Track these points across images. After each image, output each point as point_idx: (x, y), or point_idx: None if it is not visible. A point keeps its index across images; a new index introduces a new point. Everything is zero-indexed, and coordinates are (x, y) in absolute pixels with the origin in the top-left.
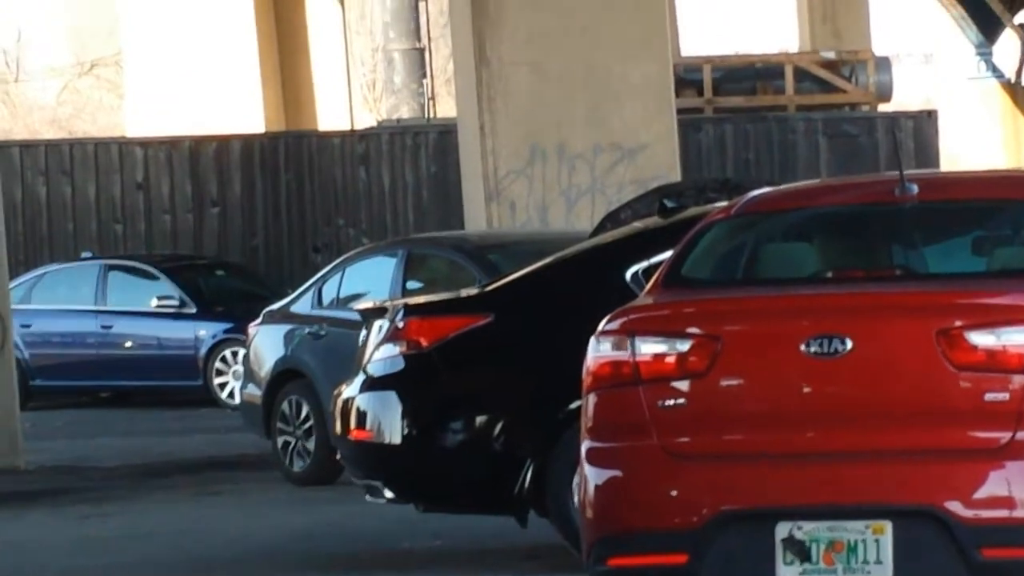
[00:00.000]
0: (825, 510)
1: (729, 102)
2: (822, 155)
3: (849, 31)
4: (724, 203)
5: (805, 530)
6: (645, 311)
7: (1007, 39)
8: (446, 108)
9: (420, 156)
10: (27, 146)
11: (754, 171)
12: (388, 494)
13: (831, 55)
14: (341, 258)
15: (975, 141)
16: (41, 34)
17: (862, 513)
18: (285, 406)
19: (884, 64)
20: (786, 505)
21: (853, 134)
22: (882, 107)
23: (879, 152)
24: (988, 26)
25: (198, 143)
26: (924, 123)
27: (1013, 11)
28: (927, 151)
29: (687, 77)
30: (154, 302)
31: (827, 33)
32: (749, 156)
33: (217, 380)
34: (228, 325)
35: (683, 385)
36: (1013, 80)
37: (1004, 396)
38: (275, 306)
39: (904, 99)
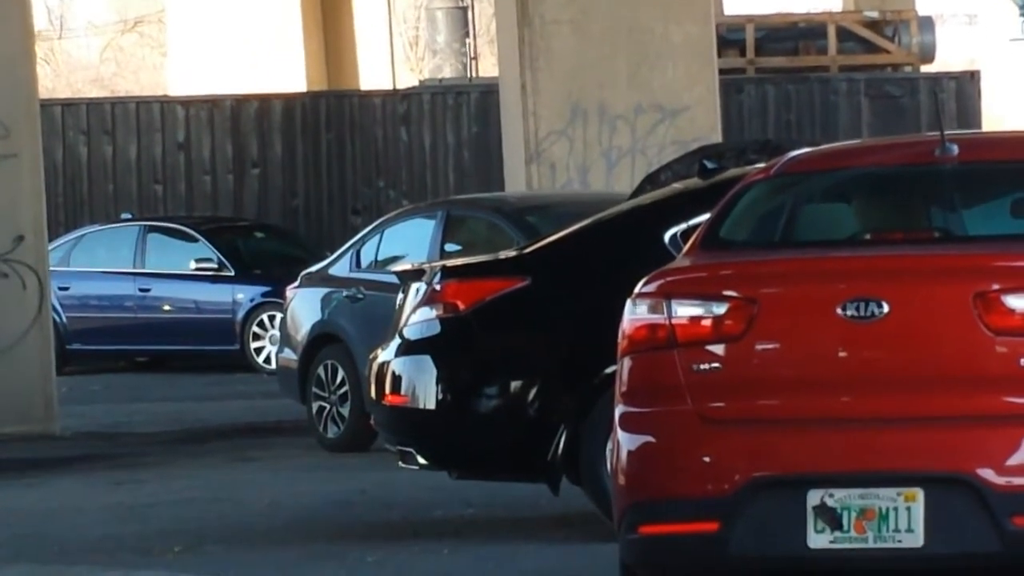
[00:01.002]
0: (857, 477)
1: (771, 62)
2: (864, 116)
3: None
4: (764, 164)
5: (837, 497)
6: (681, 273)
7: None
8: (489, 68)
9: (461, 116)
10: (69, 105)
11: (795, 132)
12: (421, 460)
13: (874, 15)
14: (379, 220)
15: (1018, 102)
16: None
17: (894, 480)
18: (321, 371)
19: (927, 24)
20: (818, 472)
21: (896, 95)
22: (925, 68)
23: (921, 113)
24: None
25: (240, 102)
26: (967, 84)
27: None
28: (969, 112)
29: (730, 37)
30: (192, 265)
31: None
32: (791, 117)
33: (254, 344)
34: (266, 288)
35: (719, 349)
36: None
37: None
38: (313, 269)
39: (947, 60)
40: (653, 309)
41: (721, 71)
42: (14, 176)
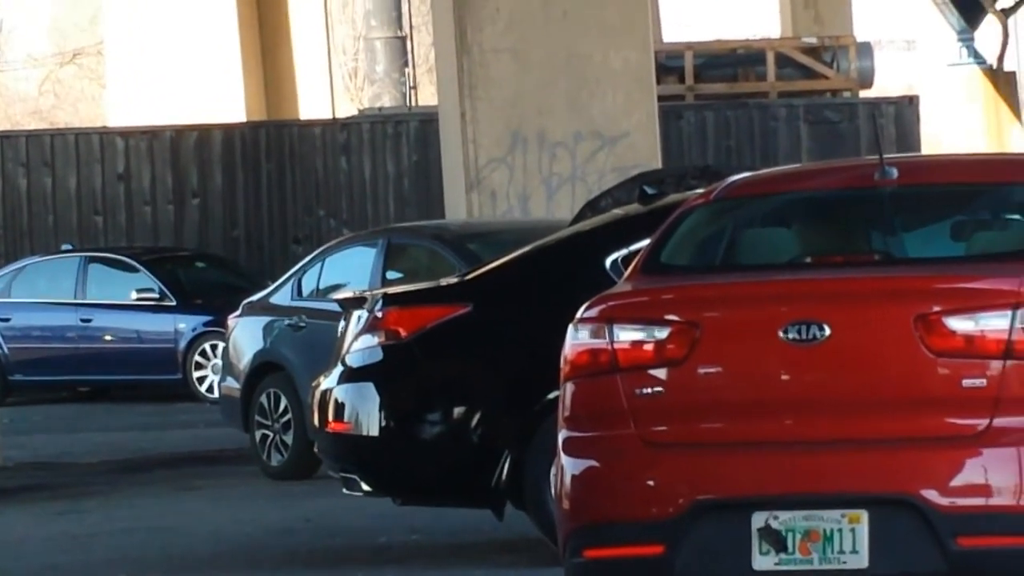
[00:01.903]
0: (801, 499)
1: (711, 89)
2: (803, 142)
3: (831, 17)
4: (703, 189)
5: (781, 519)
6: (623, 298)
7: (989, 25)
8: (428, 97)
9: (401, 145)
10: (7, 137)
11: (735, 158)
12: (365, 487)
13: (812, 41)
14: (321, 248)
15: (957, 127)
16: (23, 24)
17: (838, 502)
18: (264, 399)
19: (866, 50)
20: (762, 494)
21: (834, 120)
22: (864, 93)
23: (860, 138)
24: (970, 12)
25: (179, 133)
26: (905, 109)
27: None
28: (908, 137)
29: (669, 64)
30: (134, 295)
31: (809, 19)
32: (730, 143)
33: (196, 374)
34: (208, 318)
35: (661, 373)
36: (995, 66)
37: (981, 382)
38: (255, 298)
39: (886, 85)
40: (595, 334)
41: (660, 98)
42: None
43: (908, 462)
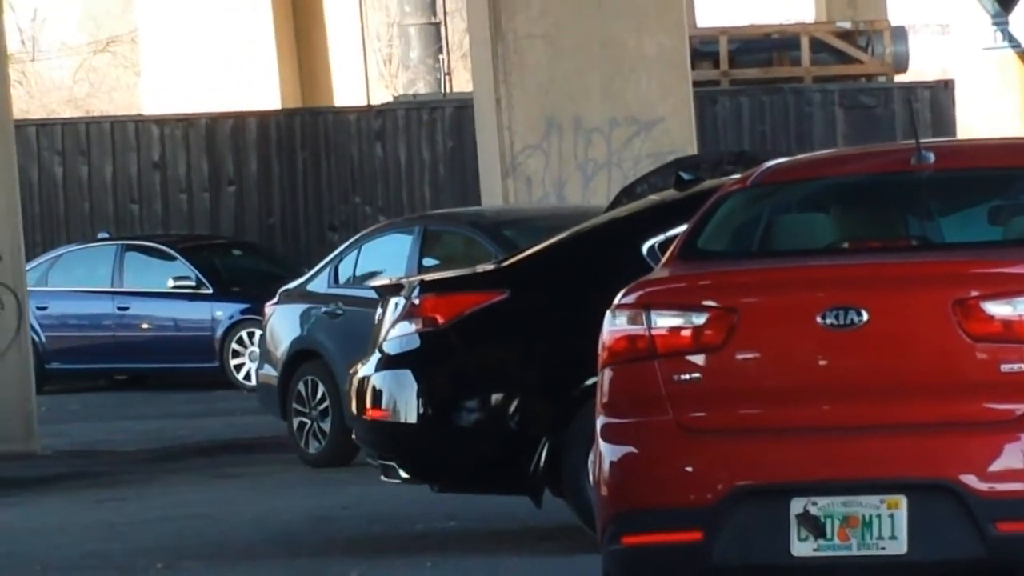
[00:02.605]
0: (840, 485)
1: (745, 74)
2: (838, 127)
3: (865, 1)
4: (740, 175)
5: (820, 505)
6: (660, 284)
7: (1023, 8)
8: (462, 83)
9: (436, 132)
10: (43, 125)
11: (770, 143)
12: (403, 474)
13: (847, 25)
14: (357, 236)
15: (992, 111)
16: (56, 12)
17: (877, 488)
18: (301, 387)
19: (900, 34)
20: (801, 480)
21: (869, 105)
22: (899, 78)
23: (896, 123)
24: None
25: (214, 120)
26: (941, 93)
27: None
28: (944, 121)
29: (703, 49)
30: (170, 283)
31: (843, 3)
32: (765, 128)
33: (234, 361)
34: (245, 306)
35: (699, 359)
36: None
37: (1020, 367)
38: (291, 285)
39: (921, 70)
40: (633, 320)
41: (695, 83)
42: None
43: (946, 447)
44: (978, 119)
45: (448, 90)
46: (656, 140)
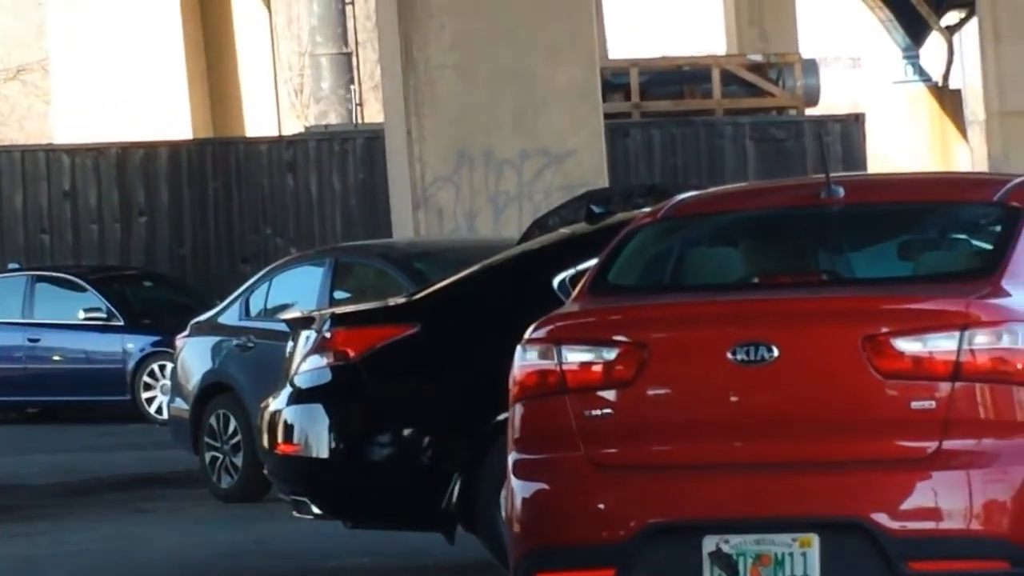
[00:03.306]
0: (752, 523)
1: (657, 106)
2: (750, 159)
3: (776, 34)
4: (650, 208)
5: (732, 543)
6: (571, 318)
7: (934, 42)
8: (374, 114)
9: (348, 163)
10: None
11: (682, 176)
12: (316, 510)
13: (758, 58)
14: (268, 268)
15: (902, 145)
16: None
17: (789, 526)
18: (213, 420)
19: (811, 67)
20: (713, 517)
21: (780, 138)
22: (810, 111)
23: (807, 156)
24: (915, 29)
25: (125, 150)
26: (851, 127)
27: (940, 14)
28: (855, 155)
29: (614, 81)
30: (81, 314)
31: (754, 36)
32: (677, 161)
33: (145, 394)
34: (156, 338)
35: (610, 394)
36: (940, 83)
37: (930, 404)
38: (202, 318)
39: (832, 103)
40: (543, 355)
41: (606, 115)
42: None
43: (858, 485)
44: (890, 152)
45: (360, 121)
46: (567, 172)
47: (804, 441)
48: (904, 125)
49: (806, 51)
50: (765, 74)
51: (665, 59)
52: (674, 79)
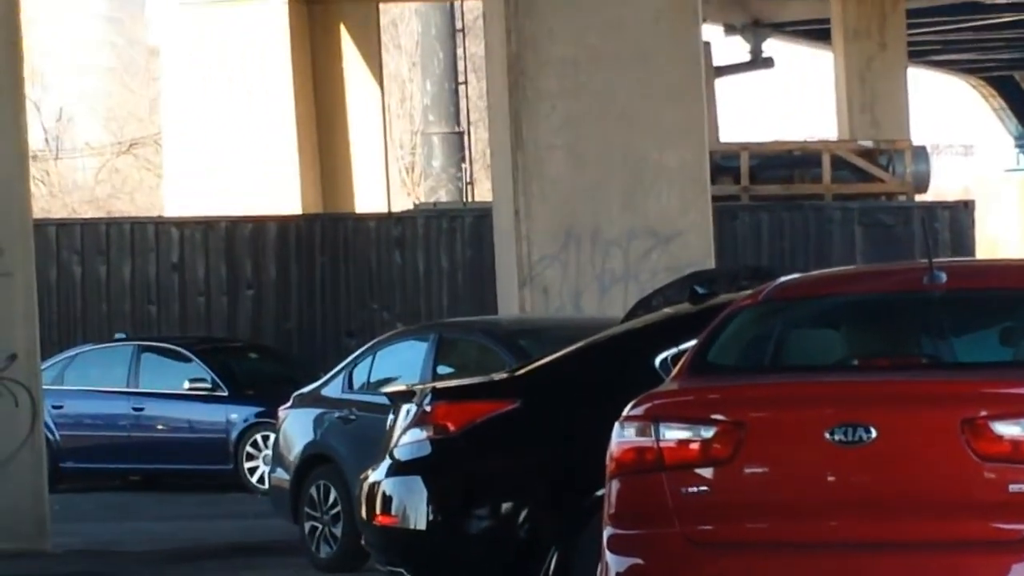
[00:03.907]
0: None
1: (766, 190)
2: (858, 244)
3: (887, 121)
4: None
5: None
6: (669, 396)
7: None
8: (484, 192)
9: (456, 240)
10: (63, 225)
11: (789, 260)
12: None
13: (869, 144)
14: (372, 342)
15: (1013, 232)
16: (81, 113)
17: None
18: (313, 491)
19: (921, 154)
20: None
21: (889, 224)
22: (919, 197)
23: (915, 242)
24: None
25: (234, 224)
26: (961, 213)
27: None
28: (963, 241)
29: (724, 164)
30: (186, 384)
31: (866, 122)
32: (784, 245)
33: (248, 464)
34: (259, 409)
35: (706, 472)
36: None
37: None
38: (306, 389)
39: (943, 190)
40: (641, 432)
41: (715, 198)
42: (7, 295)
43: (953, 566)
44: (1000, 239)
45: (471, 199)
46: (674, 253)
47: (900, 522)
48: (1014, 212)
49: (917, 138)
50: (875, 160)
51: (776, 143)
52: (784, 163)
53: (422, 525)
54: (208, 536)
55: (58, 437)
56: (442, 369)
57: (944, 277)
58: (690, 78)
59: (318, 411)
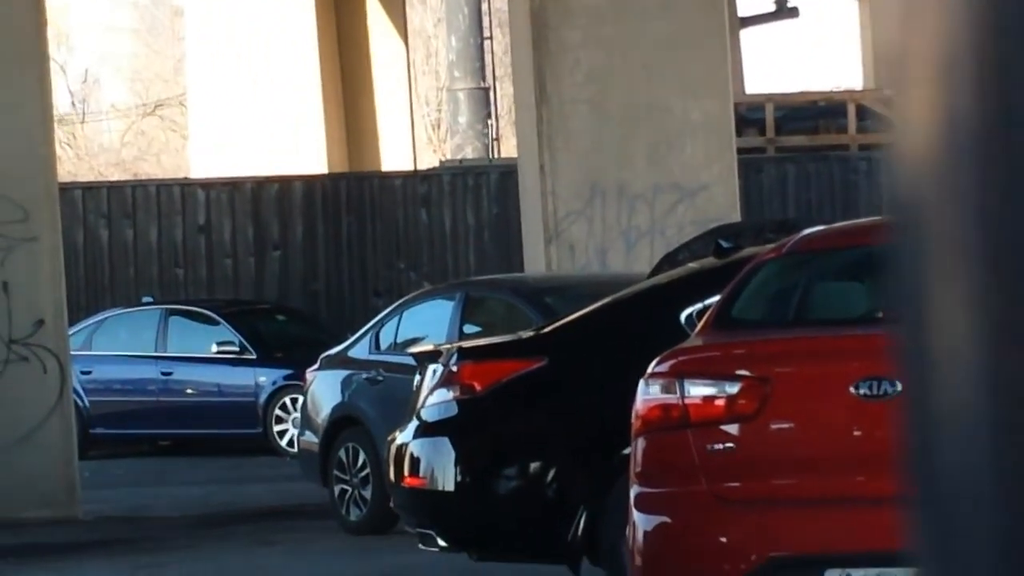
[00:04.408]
0: (873, 556)
1: (791, 141)
2: (884, 195)
3: None
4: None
5: None
6: (694, 353)
7: None
8: (511, 149)
9: (481, 197)
10: (89, 188)
11: (815, 212)
12: (441, 543)
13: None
14: (399, 302)
15: None
16: (106, 75)
17: (910, 559)
18: (342, 454)
19: None
20: (834, 551)
21: None
22: None
23: None
24: None
25: (260, 184)
26: None
27: None
28: None
29: (749, 116)
30: (214, 348)
31: None
32: (811, 196)
33: (277, 428)
34: (288, 372)
35: (732, 428)
36: None
37: None
38: (332, 351)
39: None
40: (666, 389)
41: (740, 150)
42: (34, 260)
43: None
44: None
45: (496, 155)
46: (700, 207)
47: None
48: None
49: None
50: None
51: (801, 94)
52: (809, 114)
53: (450, 486)
54: (238, 500)
55: (87, 403)
56: (469, 328)
57: None
58: (714, 29)
59: (346, 373)
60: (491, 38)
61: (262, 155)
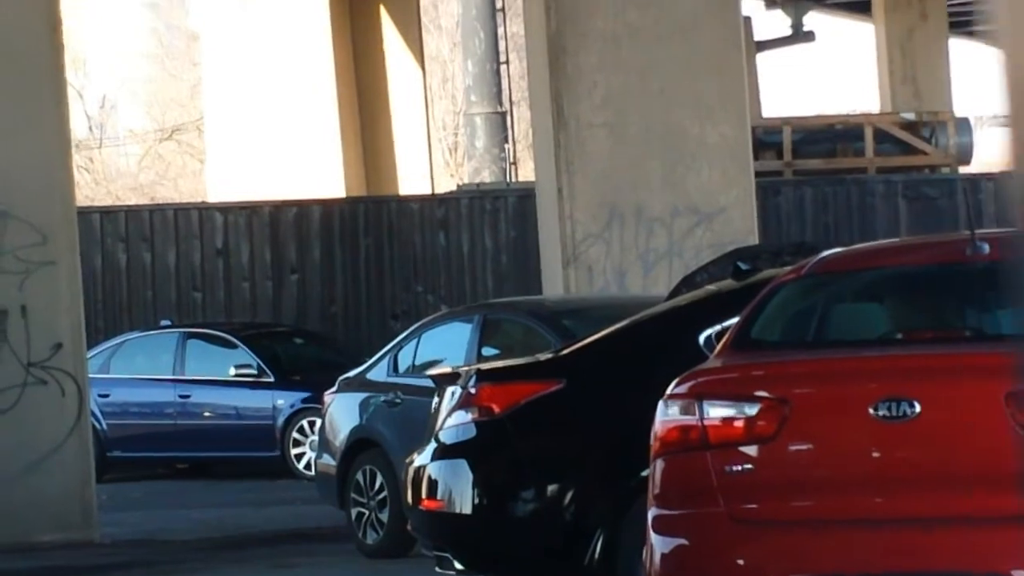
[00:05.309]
0: None
1: (808, 164)
2: (902, 218)
3: (929, 92)
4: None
5: None
6: (713, 374)
7: None
8: (528, 172)
9: (499, 220)
10: (107, 212)
11: (833, 234)
12: (458, 565)
13: (911, 116)
14: (417, 324)
15: None
16: (123, 100)
17: None
18: (359, 476)
19: (964, 125)
20: (852, 573)
21: (933, 196)
22: (963, 169)
23: (959, 214)
24: None
25: (278, 208)
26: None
27: None
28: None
29: (766, 139)
30: (232, 371)
31: (908, 94)
32: (828, 219)
33: (294, 450)
34: (306, 394)
35: (751, 450)
36: None
37: None
38: (351, 374)
39: (986, 161)
40: (685, 410)
41: (758, 173)
42: (52, 283)
43: (999, 541)
44: None
45: (514, 179)
46: (718, 230)
47: (945, 497)
48: None
49: (960, 110)
50: (918, 132)
51: (818, 117)
52: (826, 137)
53: (468, 509)
54: (256, 523)
55: (105, 426)
56: (487, 350)
57: (987, 248)
58: (731, 52)
59: (363, 395)
60: (507, 62)
61: (279, 179)
